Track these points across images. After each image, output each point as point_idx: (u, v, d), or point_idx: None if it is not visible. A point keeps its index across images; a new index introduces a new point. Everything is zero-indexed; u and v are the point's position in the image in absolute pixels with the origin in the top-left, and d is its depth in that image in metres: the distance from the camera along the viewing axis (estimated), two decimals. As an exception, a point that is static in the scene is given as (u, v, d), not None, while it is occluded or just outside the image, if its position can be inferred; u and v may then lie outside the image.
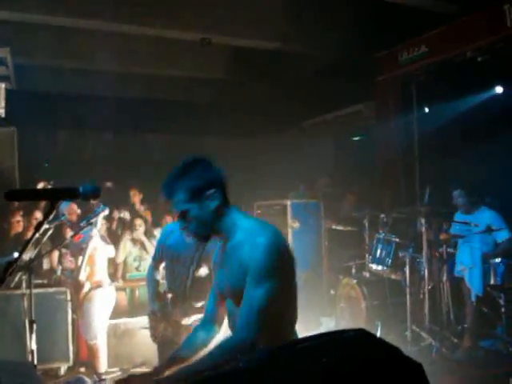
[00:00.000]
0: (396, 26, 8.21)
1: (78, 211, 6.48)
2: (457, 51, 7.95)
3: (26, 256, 1.92)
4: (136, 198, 9.04)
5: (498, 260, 6.41)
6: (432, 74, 8.55)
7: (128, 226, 8.12)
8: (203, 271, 4.15)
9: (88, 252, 6.19)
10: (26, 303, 5.99)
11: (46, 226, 2.05)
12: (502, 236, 6.55)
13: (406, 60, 8.76)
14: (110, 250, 6.79)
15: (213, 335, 2.73)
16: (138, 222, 7.91)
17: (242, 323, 2.32)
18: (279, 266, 2.35)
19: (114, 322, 6.77)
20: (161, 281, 4.62)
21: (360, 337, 1.36)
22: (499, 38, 7.30)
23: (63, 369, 6.78)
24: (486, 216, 6.63)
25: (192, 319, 4.10)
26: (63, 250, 7.20)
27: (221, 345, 2.35)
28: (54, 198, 2.03)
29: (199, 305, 4.08)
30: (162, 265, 4.55)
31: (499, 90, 7.80)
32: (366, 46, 8.81)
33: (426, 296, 6.60)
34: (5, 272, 2.01)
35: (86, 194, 2.07)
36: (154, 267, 4.60)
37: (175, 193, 2.47)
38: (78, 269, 6.33)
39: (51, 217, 2.09)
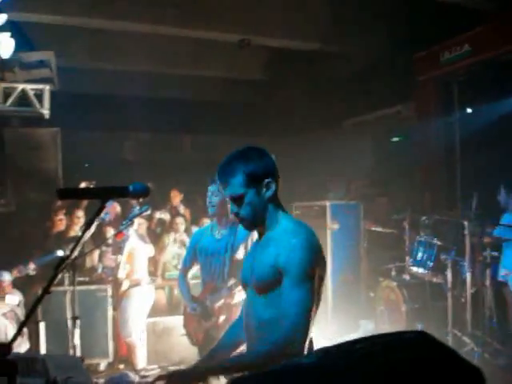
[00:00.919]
0: (437, 25, 8.09)
1: (119, 209, 6.58)
2: (501, 50, 7.77)
3: (70, 254, 1.96)
4: (177, 198, 9.15)
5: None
6: (475, 73, 8.39)
7: (168, 226, 8.21)
8: (239, 255, 4.39)
9: (126, 250, 6.28)
10: (68, 300, 6.10)
11: (95, 223, 2.08)
12: None
13: (448, 59, 8.61)
14: (149, 249, 6.87)
15: None
16: (179, 220, 8.02)
17: (292, 322, 2.30)
18: (315, 267, 2.36)
19: (153, 320, 6.87)
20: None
21: (420, 339, 1.34)
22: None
23: (103, 365, 6.88)
24: None
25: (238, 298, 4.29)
26: (103, 248, 7.30)
27: (270, 342, 2.34)
28: (104, 196, 2.05)
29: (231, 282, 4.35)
30: (192, 270, 4.83)
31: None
32: (406, 45, 8.69)
33: (469, 300, 6.49)
34: (57, 268, 2.04)
35: (136, 192, 2.09)
36: (184, 274, 4.82)
37: (234, 175, 2.42)
38: (117, 267, 6.44)
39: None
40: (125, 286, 6.46)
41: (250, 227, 2.59)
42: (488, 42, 7.89)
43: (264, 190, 2.45)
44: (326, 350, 1.34)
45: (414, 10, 8.06)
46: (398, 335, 1.40)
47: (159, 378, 2.57)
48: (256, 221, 2.50)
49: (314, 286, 2.34)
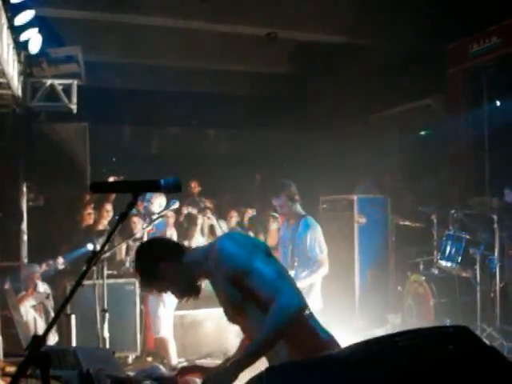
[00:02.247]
0: (466, 17, 7.96)
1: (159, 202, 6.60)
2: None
3: (100, 248, 1.98)
4: (196, 190, 9.23)
5: None
6: (504, 66, 8.25)
7: (194, 221, 8.23)
8: None
9: None
10: (97, 293, 6.16)
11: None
12: None
13: (477, 52, 8.50)
14: None
15: None
16: (209, 213, 8.09)
17: (275, 293, 2.46)
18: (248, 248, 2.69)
19: (180, 313, 6.88)
20: None
21: (461, 334, 1.34)
22: None
23: (131, 358, 6.94)
24: None
25: None
26: (130, 242, 7.35)
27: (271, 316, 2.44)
28: (136, 190, 2.05)
29: None
30: None
31: None
32: (434, 38, 8.58)
33: (498, 295, 6.43)
34: (89, 262, 2.06)
35: (168, 187, 2.09)
36: None
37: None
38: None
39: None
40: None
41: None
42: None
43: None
44: (365, 343, 1.34)
45: (443, 2, 7.93)
46: (438, 329, 1.40)
47: (183, 369, 2.62)
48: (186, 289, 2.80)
49: (263, 256, 2.56)
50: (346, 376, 1.19)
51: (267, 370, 1.47)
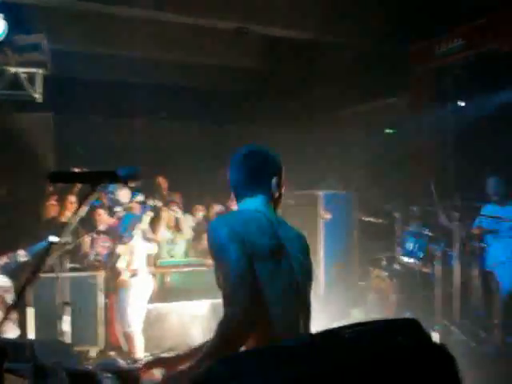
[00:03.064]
0: (433, 17, 8.08)
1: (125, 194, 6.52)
2: (494, 44, 7.80)
3: (62, 240, 1.96)
4: (164, 185, 9.16)
5: (530, 255, 6.35)
6: (468, 67, 8.40)
7: (159, 215, 8.19)
8: None
9: (124, 243, 6.27)
10: (59, 286, 6.10)
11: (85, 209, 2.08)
12: None
13: (442, 52, 8.63)
14: (151, 247, 6.86)
15: None
16: (174, 206, 8.04)
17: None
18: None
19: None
20: None
21: (409, 326, 1.38)
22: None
23: (94, 352, 6.89)
24: None
25: None
26: (94, 235, 7.30)
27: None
28: (95, 180, 2.04)
29: None
30: None
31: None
32: (402, 37, 8.68)
33: (457, 290, 6.56)
34: (46, 252, 2.04)
35: (126, 177, 2.08)
36: None
37: None
38: (116, 256, 6.41)
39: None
40: (125, 275, 6.43)
41: None
42: (481, 36, 7.92)
43: None
44: (312, 335, 1.37)
45: (411, 2, 8.04)
46: (388, 322, 1.44)
47: (148, 364, 2.60)
48: None
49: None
50: (288, 364, 1.21)
51: (219, 361, 1.48)
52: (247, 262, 2.38)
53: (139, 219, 6.57)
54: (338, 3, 8.21)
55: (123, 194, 6.71)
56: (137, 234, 6.38)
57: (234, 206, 3.02)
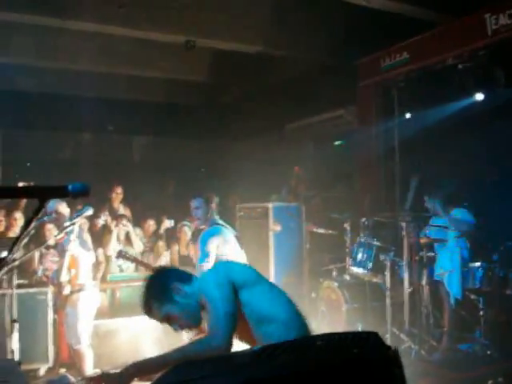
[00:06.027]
0: (379, 32, 8.28)
1: (67, 210, 6.38)
2: (438, 58, 8.03)
3: (10, 255, 1.90)
4: (118, 199, 9.00)
5: (477, 264, 6.52)
6: (413, 80, 8.62)
7: (108, 228, 8.07)
8: None
9: (68, 255, 6.13)
10: (7, 303, 5.94)
11: (33, 224, 2.03)
12: None
13: (388, 66, 8.83)
14: (91, 256, 6.73)
15: None
16: (124, 220, 7.95)
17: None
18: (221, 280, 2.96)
19: (95, 323, 6.71)
20: None
21: (369, 339, 1.43)
22: (480, 46, 7.39)
23: (43, 369, 6.73)
24: (457, 217, 6.73)
25: None
26: (43, 251, 7.14)
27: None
28: (43, 195, 2.01)
29: None
30: None
31: (479, 97, 7.86)
32: (348, 51, 8.86)
33: (406, 299, 6.69)
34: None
35: (76, 192, 2.05)
36: None
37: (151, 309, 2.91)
38: (60, 270, 6.28)
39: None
40: (66, 290, 6.29)
41: (193, 326, 2.99)
42: (425, 50, 8.16)
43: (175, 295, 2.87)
44: (269, 346, 1.39)
45: (358, 17, 8.20)
46: (353, 334, 1.49)
47: (90, 379, 2.60)
48: (194, 320, 2.91)
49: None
50: (238, 371, 1.23)
51: (174, 368, 1.51)
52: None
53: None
54: (285, 17, 8.32)
55: (64, 208, 6.59)
56: (75, 241, 6.21)
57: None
